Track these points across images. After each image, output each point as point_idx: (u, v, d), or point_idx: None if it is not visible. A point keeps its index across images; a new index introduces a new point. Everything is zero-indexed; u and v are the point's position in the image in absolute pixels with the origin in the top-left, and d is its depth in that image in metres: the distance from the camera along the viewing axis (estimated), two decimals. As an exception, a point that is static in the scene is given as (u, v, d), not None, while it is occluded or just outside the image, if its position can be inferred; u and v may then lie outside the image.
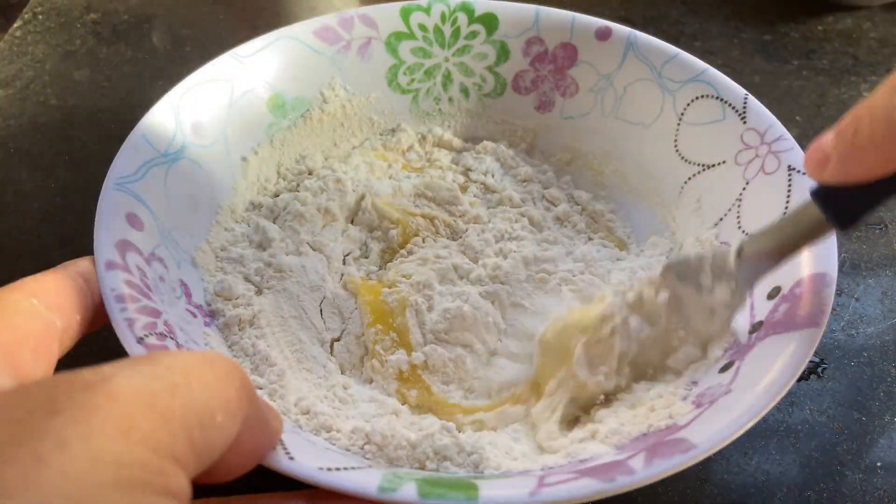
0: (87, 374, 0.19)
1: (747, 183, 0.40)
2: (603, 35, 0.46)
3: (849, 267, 0.47)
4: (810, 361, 0.30)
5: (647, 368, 0.36)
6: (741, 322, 0.34)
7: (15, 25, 0.63)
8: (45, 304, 0.28)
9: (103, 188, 0.35)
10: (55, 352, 0.28)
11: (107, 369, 0.20)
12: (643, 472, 0.27)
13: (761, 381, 0.29)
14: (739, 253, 0.33)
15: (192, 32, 0.64)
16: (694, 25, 0.65)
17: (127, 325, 0.30)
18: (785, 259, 0.32)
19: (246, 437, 0.24)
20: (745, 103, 0.41)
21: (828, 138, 0.28)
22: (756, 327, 0.34)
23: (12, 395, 0.19)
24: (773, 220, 0.33)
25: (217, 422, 0.21)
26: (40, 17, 0.64)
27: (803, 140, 0.39)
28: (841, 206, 0.29)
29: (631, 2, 0.68)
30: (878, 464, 0.38)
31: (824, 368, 0.42)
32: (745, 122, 0.41)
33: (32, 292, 0.28)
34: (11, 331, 0.26)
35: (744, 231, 0.39)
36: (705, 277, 0.34)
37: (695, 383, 0.33)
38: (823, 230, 0.30)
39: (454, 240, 0.44)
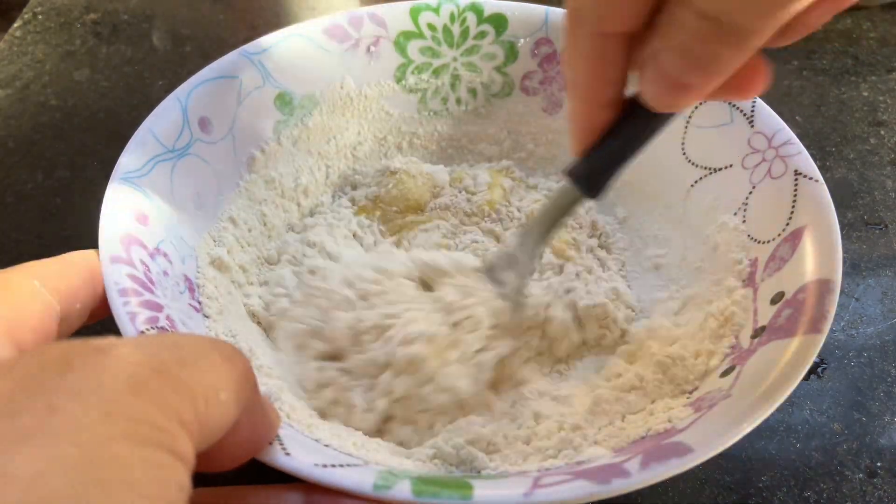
0: (98, 341, 0.19)
1: (753, 187, 0.38)
2: None
3: (849, 267, 0.45)
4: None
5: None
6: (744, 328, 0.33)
7: (15, 25, 0.62)
8: (47, 287, 0.27)
9: (110, 182, 0.34)
10: (54, 334, 0.27)
11: (116, 340, 0.19)
12: (638, 475, 0.25)
13: (761, 386, 0.28)
14: (516, 240, 0.36)
15: (192, 32, 0.62)
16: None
17: (129, 318, 0.29)
18: (548, 233, 0.35)
19: (245, 424, 0.23)
20: (753, 107, 0.39)
21: None
22: (758, 332, 0.32)
23: (26, 355, 0.18)
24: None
25: (220, 399, 0.20)
26: (40, 17, 0.63)
27: (803, 140, 0.37)
28: (587, 177, 0.31)
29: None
30: (878, 464, 0.37)
31: (824, 368, 0.40)
32: (752, 126, 0.39)
33: (35, 274, 0.27)
34: (13, 308, 0.25)
35: (749, 235, 0.37)
36: (503, 273, 0.36)
37: (695, 388, 0.32)
38: (577, 201, 0.33)
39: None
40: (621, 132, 0.29)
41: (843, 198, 0.49)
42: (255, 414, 0.24)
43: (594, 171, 0.31)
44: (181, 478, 0.18)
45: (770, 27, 0.21)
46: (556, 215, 0.34)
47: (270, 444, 0.26)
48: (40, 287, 0.27)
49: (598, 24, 0.25)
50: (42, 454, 0.16)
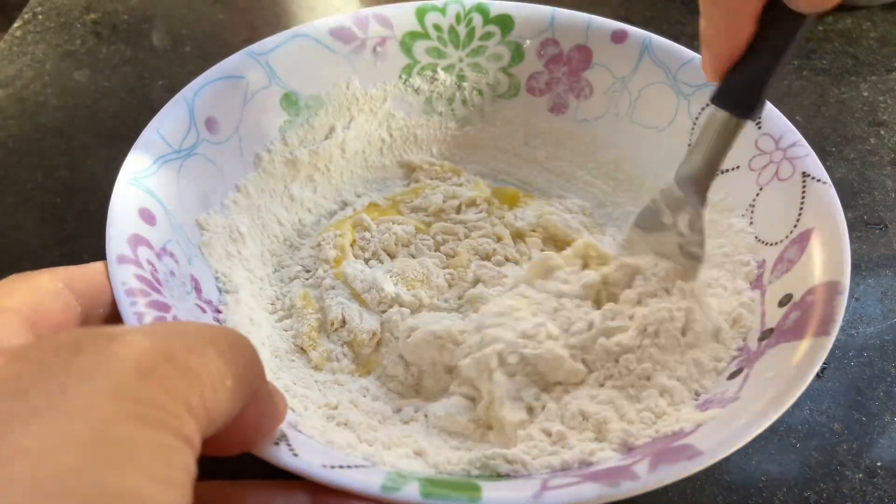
0: (109, 328, 0.19)
1: (761, 189, 0.38)
2: (619, 38, 0.44)
3: (849, 266, 0.45)
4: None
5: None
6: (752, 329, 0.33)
7: (15, 25, 0.61)
8: (71, 289, 0.28)
9: (116, 182, 0.34)
10: None
11: (126, 327, 0.20)
12: (648, 477, 0.25)
13: (770, 389, 0.27)
14: (679, 181, 0.34)
15: (192, 32, 0.61)
16: (694, 25, 0.63)
17: (136, 318, 0.29)
18: (716, 168, 0.33)
19: (252, 411, 0.24)
20: None
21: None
22: (766, 334, 0.32)
23: (41, 340, 0.19)
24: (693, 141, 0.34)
25: (227, 386, 0.20)
26: (40, 17, 0.62)
27: (803, 140, 0.37)
28: (737, 98, 0.30)
29: (631, 2, 0.66)
30: (878, 464, 0.36)
31: (824, 368, 0.40)
32: (759, 128, 0.38)
33: (59, 277, 0.28)
34: (36, 306, 0.26)
35: (757, 237, 0.36)
36: (665, 216, 0.35)
37: (703, 391, 0.31)
38: (735, 126, 0.31)
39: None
40: (764, 44, 0.29)
41: (843, 198, 0.48)
42: (262, 401, 0.24)
43: (745, 89, 0.30)
44: (187, 461, 0.18)
45: None
46: (719, 147, 0.32)
47: (278, 427, 0.26)
48: (63, 289, 0.28)
49: None
50: (53, 431, 0.16)
